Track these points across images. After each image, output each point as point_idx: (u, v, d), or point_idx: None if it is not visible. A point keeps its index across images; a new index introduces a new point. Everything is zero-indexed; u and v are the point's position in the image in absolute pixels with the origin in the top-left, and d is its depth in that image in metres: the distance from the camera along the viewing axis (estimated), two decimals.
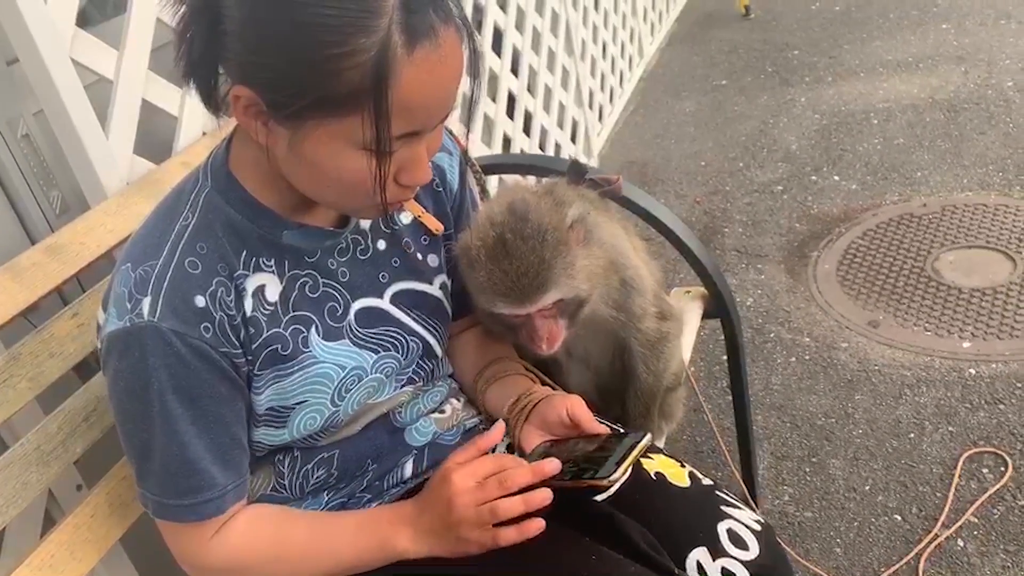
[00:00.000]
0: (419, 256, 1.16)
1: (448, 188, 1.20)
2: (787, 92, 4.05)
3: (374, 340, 1.08)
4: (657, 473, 1.13)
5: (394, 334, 1.10)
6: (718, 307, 1.74)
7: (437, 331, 1.17)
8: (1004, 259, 2.60)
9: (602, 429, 1.11)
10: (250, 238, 0.98)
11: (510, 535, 0.97)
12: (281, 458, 1.09)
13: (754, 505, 1.91)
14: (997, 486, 1.88)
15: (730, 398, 1.89)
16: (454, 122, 1.28)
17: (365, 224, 1.10)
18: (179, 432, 0.94)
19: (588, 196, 1.31)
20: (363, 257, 1.10)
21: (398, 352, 1.11)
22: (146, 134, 1.50)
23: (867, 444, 2.08)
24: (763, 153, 3.56)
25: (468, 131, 1.11)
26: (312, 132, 0.85)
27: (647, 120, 4.16)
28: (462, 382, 1.29)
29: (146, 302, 0.90)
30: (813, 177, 3.29)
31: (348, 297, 1.07)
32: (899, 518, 1.88)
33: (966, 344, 2.32)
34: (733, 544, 1.06)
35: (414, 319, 1.13)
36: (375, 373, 1.08)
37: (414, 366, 1.15)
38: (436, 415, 1.20)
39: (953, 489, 1.90)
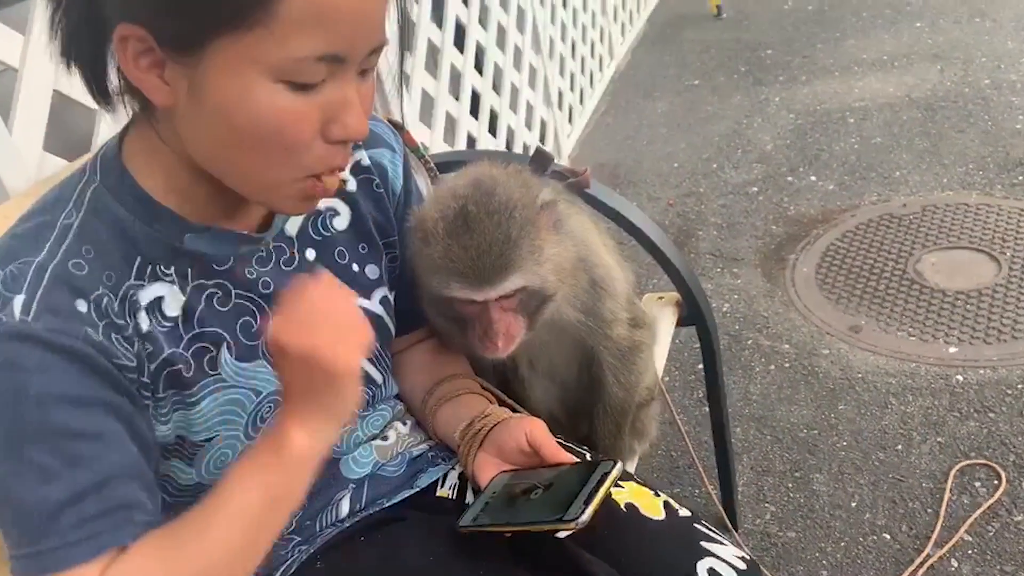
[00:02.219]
0: (355, 267, 1.02)
1: (390, 188, 1.06)
2: (761, 92, 3.95)
3: None
4: (628, 504, 1.00)
5: None
6: (693, 313, 1.62)
7: (375, 351, 1.03)
8: (988, 260, 2.51)
9: (567, 457, 0.98)
10: (145, 242, 0.83)
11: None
12: (191, 496, 0.94)
13: (734, 526, 1.79)
14: (991, 501, 1.77)
15: (707, 410, 1.76)
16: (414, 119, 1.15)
17: (291, 230, 0.96)
18: (67, 450, 0.73)
19: (555, 187, 1.18)
20: (288, 268, 0.95)
21: None
22: (61, 128, 1.35)
23: (852, 457, 1.96)
24: (737, 154, 3.45)
25: (401, 81, 0.95)
26: (214, 62, 0.71)
27: (618, 121, 4.04)
28: (410, 403, 1.15)
29: (18, 300, 0.74)
30: (789, 178, 3.19)
31: (268, 311, 0.92)
32: (888, 537, 1.76)
33: (952, 349, 2.21)
34: None
35: None
36: None
37: None
38: (377, 442, 1.06)
39: (945, 505, 1.79)
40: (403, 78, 0.92)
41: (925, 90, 3.59)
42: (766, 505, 1.89)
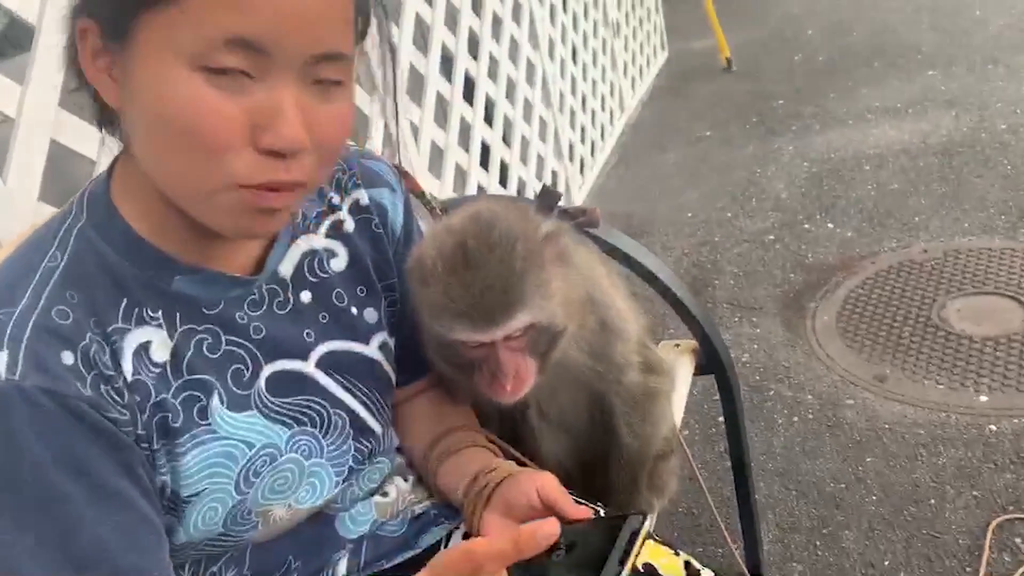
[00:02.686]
0: (353, 310, 0.97)
1: (390, 229, 1.02)
2: (774, 141, 3.93)
3: (289, 412, 0.88)
4: (646, 564, 0.93)
5: (315, 405, 0.91)
6: (711, 362, 1.55)
7: (373, 401, 0.97)
8: (1016, 306, 2.43)
9: (583, 512, 0.91)
10: (132, 284, 0.79)
11: None
12: (184, 555, 0.88)
13: None
14: None
15: (729, 464, 1.68)
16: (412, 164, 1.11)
17: (286, 271, 0.92)
18: (69, 517, 0.70)
19: (561, 224, 1.14)
20: (281, 312, 0.90)
21: (316, 427, 0.91)
22: (59, 179, 1.33)
23: (883, 512, 1.87)
24: (752, 203, 3.41)
25: (397, 118, 0.92)
26: (137, 49, 0.69)
27: (630, 173, 4.02)
28: (412, 457, 1.09)
29: (1, 358, 0.69)
30: (806, 225, 3.14)
31: (260, 359, 0.87)
32: None
33: (983, 398, 2.12)
34: None
35: (345, 387, 0.94)
36: (290, 452, 0.88)
37: (352, 452, 0.95)
38: (377, 499, 0.99)
39: (984, 562, 1.68)
40: (412, 129, 0.89)
41: (941, 136, 3.55)
42: (794, 564, 1.79)
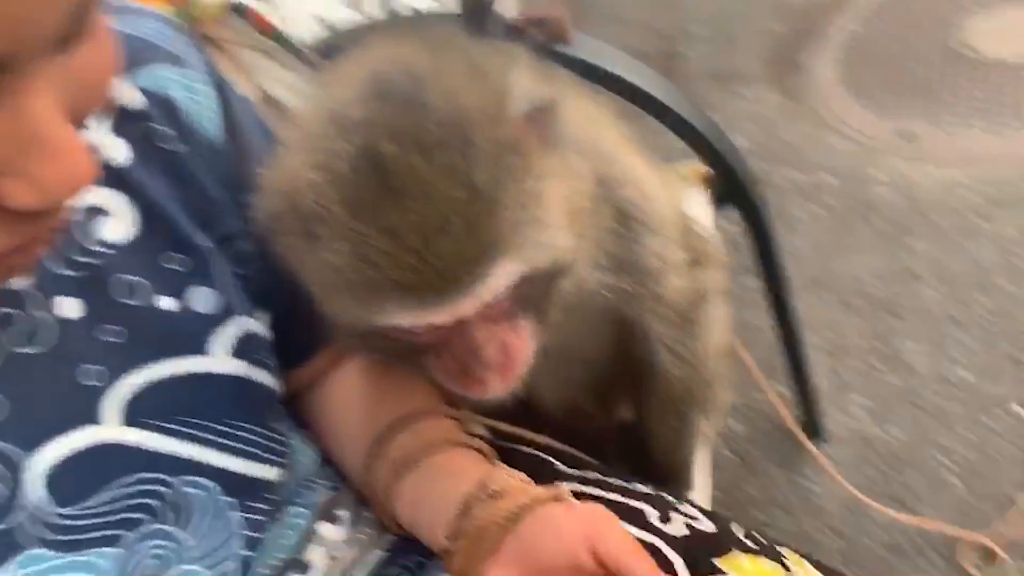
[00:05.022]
0: (163, 304, 0.54)
1: (194, 134, 0.57)
2: None
3: (106, 519, 0.50)
4: None
5: (146, 487, 0.52)
6: (731, 188, 1.15)
7: (247, 438, 0.58)
8: None
9: None
10: None
11: None
12: None
13: (819, 435, 1.39)
14: None
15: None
16: None
17: (22, 282, 0.49)
18: None
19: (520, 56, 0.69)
20: (33, 350, 0.49)
21: (166, 520, 0.53)
22: None
23: (948, 309, 1.54)
24: None
25: None
26: None
27: None
28: (346, 470, 0.70)
29: None
30: None
31: (12, 457, 0.47)
32: (1019, 409, 1.37)
33: None
34: None
35: (189, 437, 0.54)
36: None
37: (244, 531, 0.57)
38: None
39: None
40: None
41: None
42: (852, 396, 1.48)
